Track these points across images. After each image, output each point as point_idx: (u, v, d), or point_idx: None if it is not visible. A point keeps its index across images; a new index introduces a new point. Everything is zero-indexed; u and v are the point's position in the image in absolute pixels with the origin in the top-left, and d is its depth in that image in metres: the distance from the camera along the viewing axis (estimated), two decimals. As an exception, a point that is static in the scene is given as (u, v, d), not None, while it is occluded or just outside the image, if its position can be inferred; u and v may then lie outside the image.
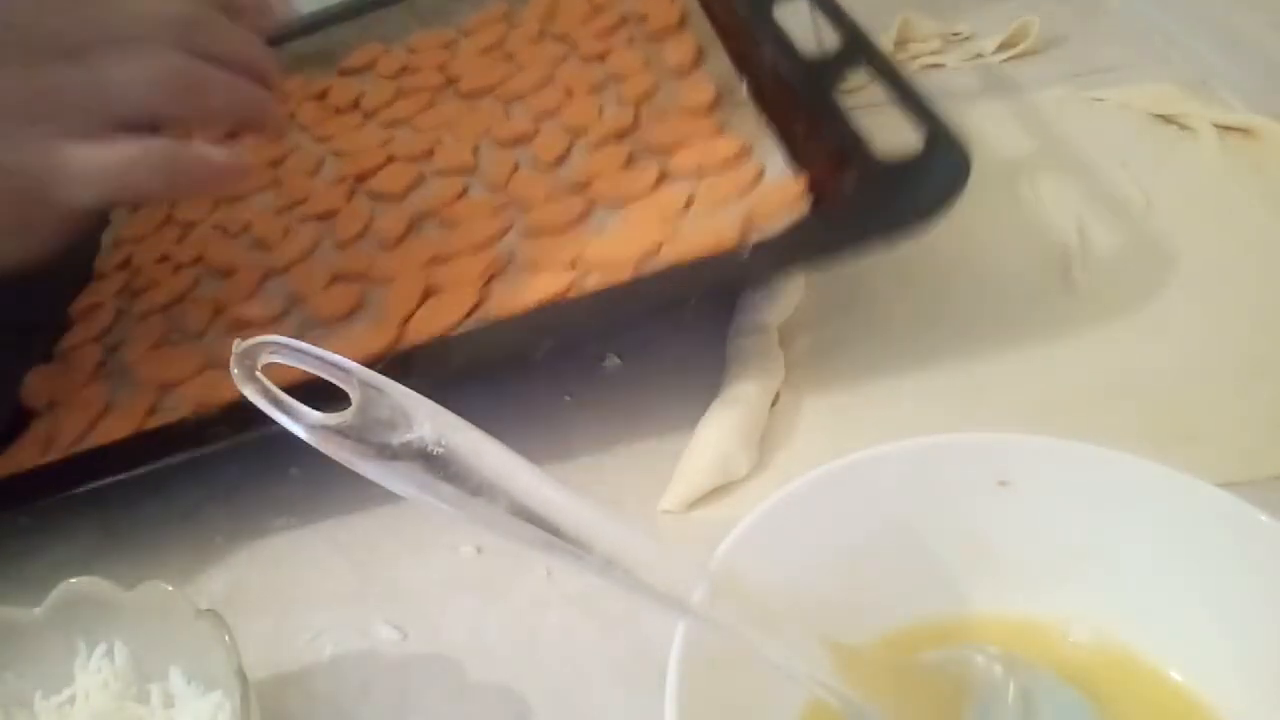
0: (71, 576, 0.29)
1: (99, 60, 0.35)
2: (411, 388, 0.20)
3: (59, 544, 0.39)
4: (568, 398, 0.41)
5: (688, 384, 0.39)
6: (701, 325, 0.42)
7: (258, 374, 0.20)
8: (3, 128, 0.33)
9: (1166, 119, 0.50)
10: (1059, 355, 0.37)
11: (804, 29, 0.48)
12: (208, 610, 0.27)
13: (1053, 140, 0.51)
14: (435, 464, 0.20)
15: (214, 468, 0.42)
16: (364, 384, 0.20)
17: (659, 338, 0.43)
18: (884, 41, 0.64)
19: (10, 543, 0.40)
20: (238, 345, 0.20)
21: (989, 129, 0.53)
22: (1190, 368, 0.35)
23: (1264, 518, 0.22)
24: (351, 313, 0.43)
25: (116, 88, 0.35)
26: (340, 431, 0.19)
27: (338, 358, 0.20)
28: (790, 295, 0.42)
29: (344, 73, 0.63)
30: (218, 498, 0.40)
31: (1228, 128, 0.47)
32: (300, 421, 0.19)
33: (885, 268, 0.43)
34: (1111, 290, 0.39)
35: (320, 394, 0.20)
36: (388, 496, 0.36)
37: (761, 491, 0.33)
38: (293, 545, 0.37)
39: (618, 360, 0.42)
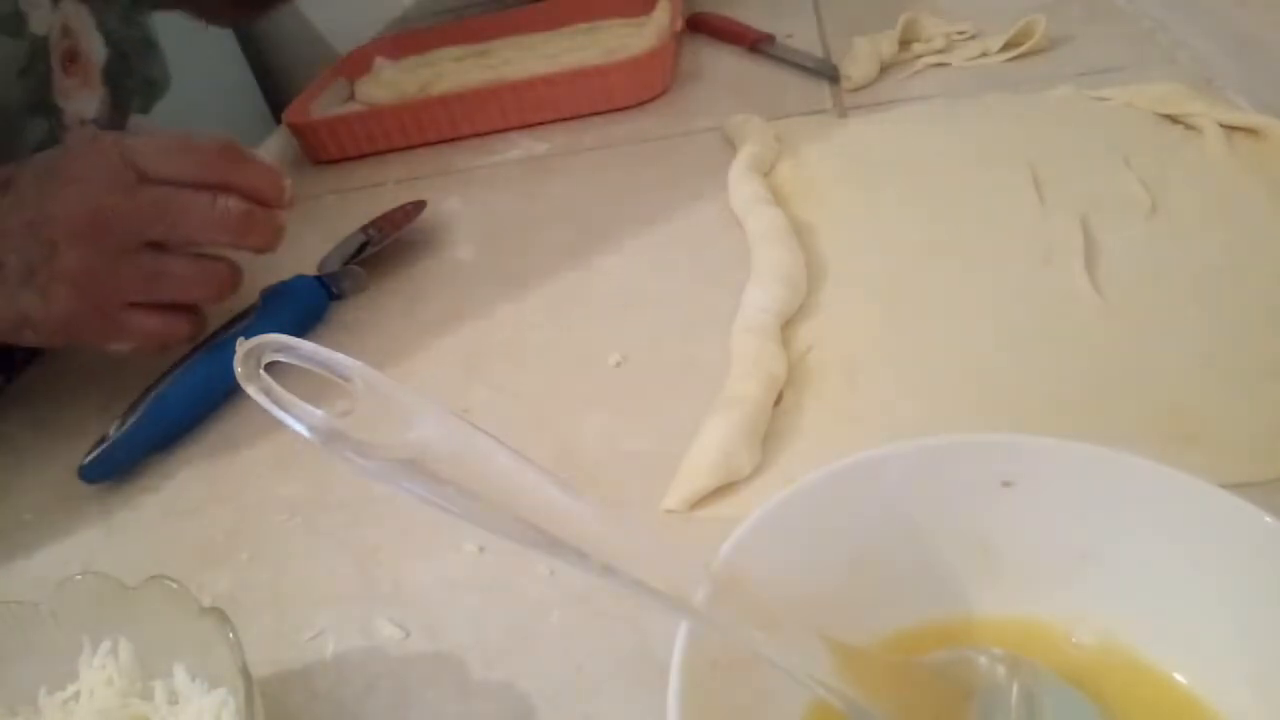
0: (76, 573, 0.29)
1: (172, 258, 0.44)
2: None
3: (63, 540, 0.40)
4: (571, 396, 0.41)
5: (690, 383, 0.39)
6: (704, 324, 0.42)
7: (261, 373, 0.20)
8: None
9: (1172, 119, 0.50)
10: (1064, 355, 0.37)
11: None
12: (212, 608, 0.27)
13: (1057, 139, 0.51)
14: (437, 465, 0.20)
15: (216, 465, 0.42)
16: (367, 384, 0.20)
17: (662, 336, 0.43)
18: (889, 40, 0.64)
19: (15, 538, 0.40)
20: (241, 344, 0.20)
21: (994, 128, 0.53)
22: (1196, 368, 0.35)
23: (1269, 519, 0.22)
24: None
25: (174, 280, 0.44)
26: (343, 431, 0.19)
27: (341, 358, 0.20)
28: (789, 289, 0.42)
29: None
30: (221, 497, 0.40)
31: (1234, 128, 0.47)
32: (303, 421, 0.19)
33: (881, 276, 0.43)
34: (1117, 290, 0.39)
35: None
36: (391, 495, 0.36)
37: (764, 491, 0.33)
38: (296, 543, 0.37)
39: (621, 359, 0.42)
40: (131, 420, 0.42)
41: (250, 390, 0.19)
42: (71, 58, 0.54)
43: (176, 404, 0.43)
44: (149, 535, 0.39)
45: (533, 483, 0.20)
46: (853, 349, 0.39)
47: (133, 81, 0.62)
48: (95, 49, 0.56)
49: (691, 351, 0.41)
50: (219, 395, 0.45)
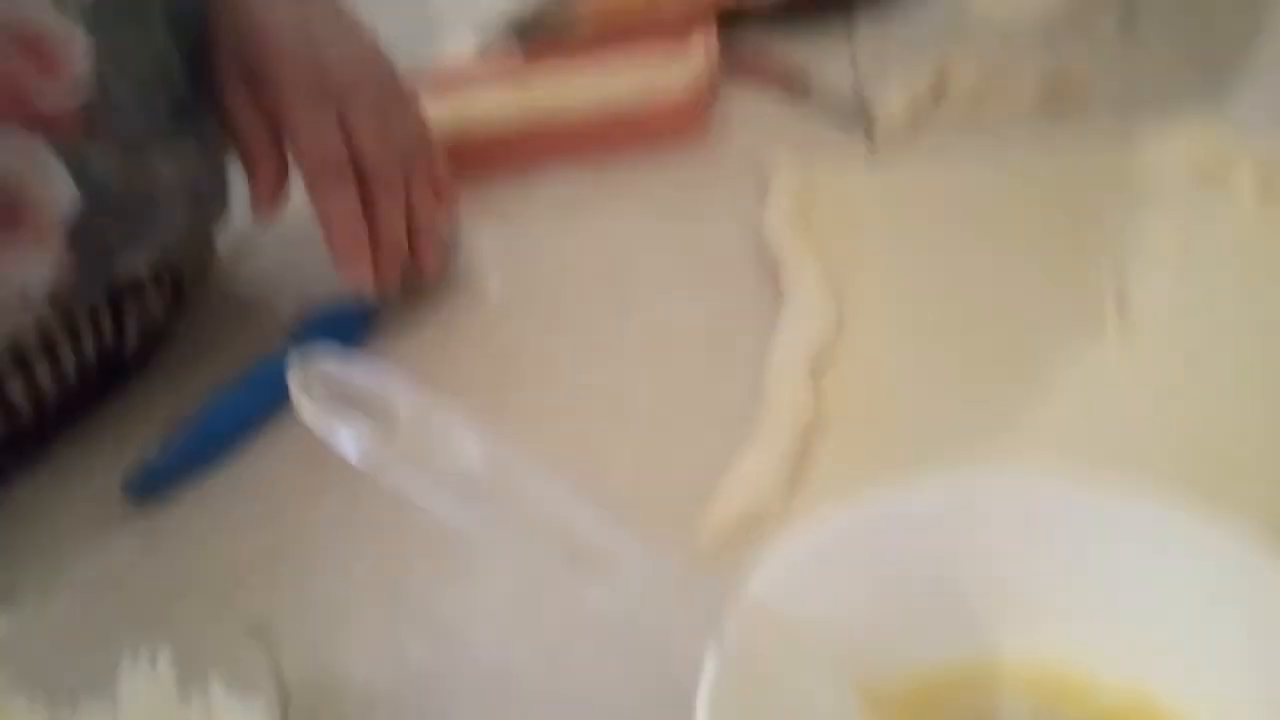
0: (112, 587, 0.30)
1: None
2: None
3: (104, 553, 0.41)
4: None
5: (720, 420, 0.40)
6: (735, 362, 0.43)
7: (312, 391, 0.21)
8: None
9: (1204, 173, 0.50)
10: (1094, 402, 0.37)
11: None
12: (250, 624, 0.28)
13: (1090, 188, 0.51)
14: (479, 488, 0.21)
15: (255, 485, 0.43)
16: (414, 405, 0.21)
17: (693, 373, 0.44)
18: (924, 86, 0.65)
19: (56, 551, 0.41)
20: (294, 362, 0.21)
21: (1029, 177, 0.54)
22: (1227, 420, 0.35)
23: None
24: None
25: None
26: (389, 452, 0.20)
27: (390, 379, 0.21)
28: (822, 328, 0.42)
29: None
30: (258, 517, 0.41)
31: (1266, 183, 0.47)
32: (351, 440, 0.20)
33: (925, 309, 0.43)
34: (1148, 342, 0.39)
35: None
36: (423, 518, 0.36)
37: (793, 527, 0.34)
38: (330, 564, 0.38)
39: (651, 394, 0.43)
40: (177, 439, 0.43)
41: (301, 408, 0.20)
42: (7, 217, 0.40)
43: (220, 424, 0.44)
44: (188, 552, 0.40)
45: (572, 509, 0.21)
46: (882, 389, 0.40)
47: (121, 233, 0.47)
48: (55, 199, 0.41)
49: (722, 389, 0.42)
50: (262, 416, 0.46)
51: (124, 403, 0.52)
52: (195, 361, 0.55)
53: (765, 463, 0.35)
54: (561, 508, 0.21)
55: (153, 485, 0.42)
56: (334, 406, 0.20)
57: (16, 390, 0.46)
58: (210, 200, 0.54)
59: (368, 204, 0.49)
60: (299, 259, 0.66)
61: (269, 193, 0.50)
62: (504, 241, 0.62)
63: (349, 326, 0.51)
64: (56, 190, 0.40)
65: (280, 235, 0.71)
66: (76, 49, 0.39)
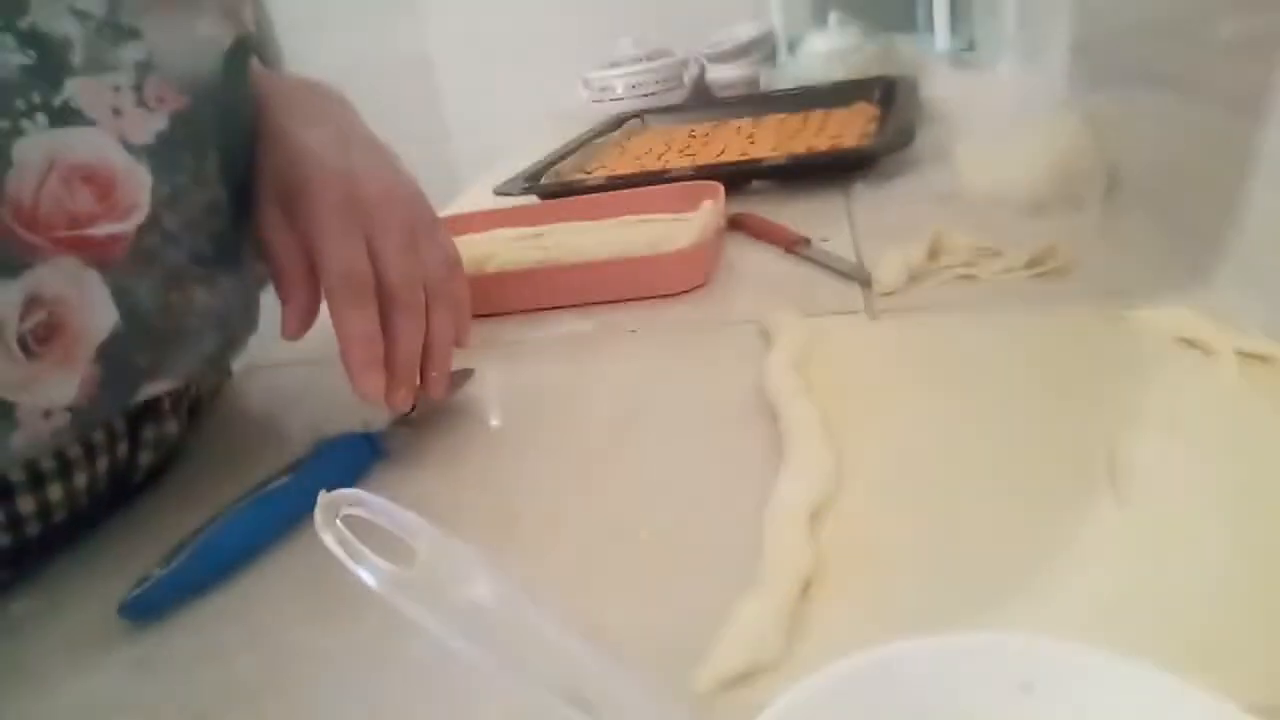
0: (104, 709, 0.30)
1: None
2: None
3: (93, 675, 0.40)
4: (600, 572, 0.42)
5: (716, 565, 0.40)
6: (733, 508, 0.44)
7: (337, 523, 0.22)
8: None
9: (1188, 342, 0.52)
10: (1086, 564, 0.38)
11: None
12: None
13: (1078, 354, 0.53)
14: (488, 621, 0.21)
15: (251, 612, 0.43)
16: (432, 542, 0.22)
17: (690, 517, 0.44)
18: (919, 250, 0.69)
19: (42, 672, 0.41)
20: (323, 496, 0.22)
21: (1020, 337, 0.56)
22: (1218, 584, 0.35)
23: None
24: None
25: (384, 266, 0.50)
26: (406, 584, 0.21)
27: (411, 516, 0.22)
28: (821, 479, 0.43)
29: None
30: (253, 643, 0.41)
31: (1246, 354, 0.49)
32: (371, 571, 0.21)
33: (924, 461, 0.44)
34: (1139, 503, 0.40)
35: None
36: (420, 654, 0.36)
37: (790, 679, 0.34)
38: (322, 697, 0.37)
39: (649, 535, 0.43)
40: (176, 561, 0.43)
41: (326, 539, 0.21)
42: (45, 335, 0.41)
43: (222, 549, 0.45)
44: (178, 676, 0.39)
45: (578, 650, 0.22)
46: (878, 544, 0.40)
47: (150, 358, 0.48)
48: (95, 323, 0.43)
49: (719, 534, 0.43)
50: (263, 543, 0.46)
51: (127, 521, 0.53)
52: (200, 481, 0.56)
53: (764, 614, 0.35)
54: (568, 648, 0.22)
55: (149, 607, 0.42)
56: (357, 539, 0.21)
57: (27, 505, 0.46)
58: (238, 329, 0.56)
59: (387, 324, 0.50)
60: (309, 377, 0.68)
61: (300, 320, 0.51)
62: (517, 375, 0.64)
63: (356, 456, 0.52)
64: (97, 318, 0.42)
65: (291, 351, 0.73)
66: (138, 185, 0.42)
